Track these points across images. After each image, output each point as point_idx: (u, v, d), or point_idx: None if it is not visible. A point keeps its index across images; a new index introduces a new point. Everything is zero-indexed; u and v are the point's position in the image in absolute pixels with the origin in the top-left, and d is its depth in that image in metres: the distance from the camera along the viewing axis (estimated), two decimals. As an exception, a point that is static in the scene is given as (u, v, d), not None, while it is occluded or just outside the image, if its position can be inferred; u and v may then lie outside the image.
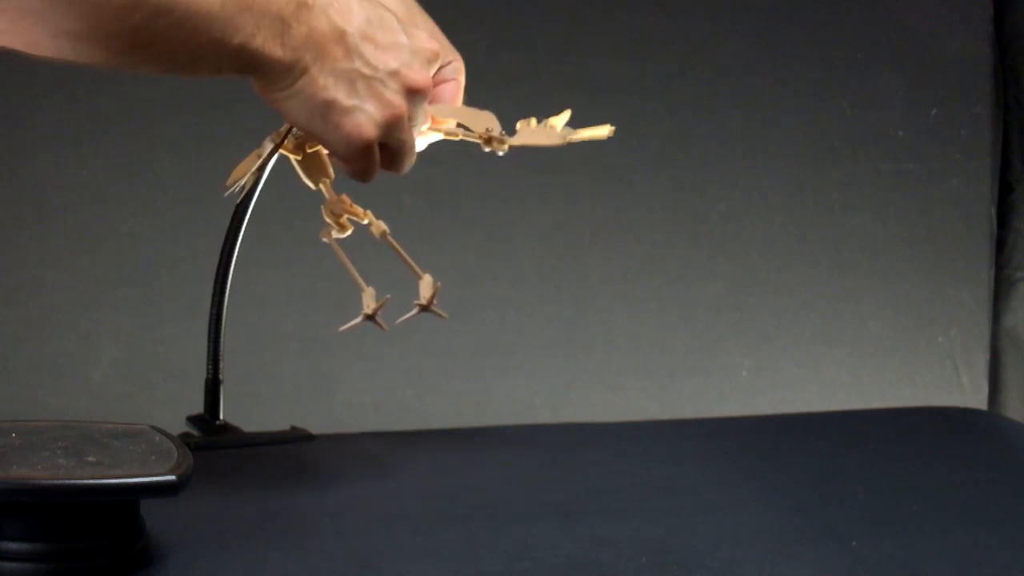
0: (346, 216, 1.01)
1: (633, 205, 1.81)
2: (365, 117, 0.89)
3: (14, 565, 0.76)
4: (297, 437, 1.10)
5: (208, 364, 1.05)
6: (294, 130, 0.97)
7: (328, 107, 0.88)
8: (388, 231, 1.01)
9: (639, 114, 1.79)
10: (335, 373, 1.75)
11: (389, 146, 0.92)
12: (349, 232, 1.01)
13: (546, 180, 1.79)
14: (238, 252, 1.03)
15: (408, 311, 1.03)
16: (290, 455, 1.06)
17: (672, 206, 1.81)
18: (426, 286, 1.02)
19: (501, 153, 1.02)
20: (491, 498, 0.96)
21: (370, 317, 1.01)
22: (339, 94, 0.88)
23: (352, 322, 1.01)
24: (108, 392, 1.68)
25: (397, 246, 1.02)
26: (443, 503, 0.94)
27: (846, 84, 1.83)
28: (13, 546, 0.76)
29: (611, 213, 1.80)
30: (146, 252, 1.69)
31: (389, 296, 1.01)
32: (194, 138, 1.67)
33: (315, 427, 1.12)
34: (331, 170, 1.00)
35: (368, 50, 0.88)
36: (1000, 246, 1.90)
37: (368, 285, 1.02)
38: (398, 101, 0.90)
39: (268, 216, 1.10)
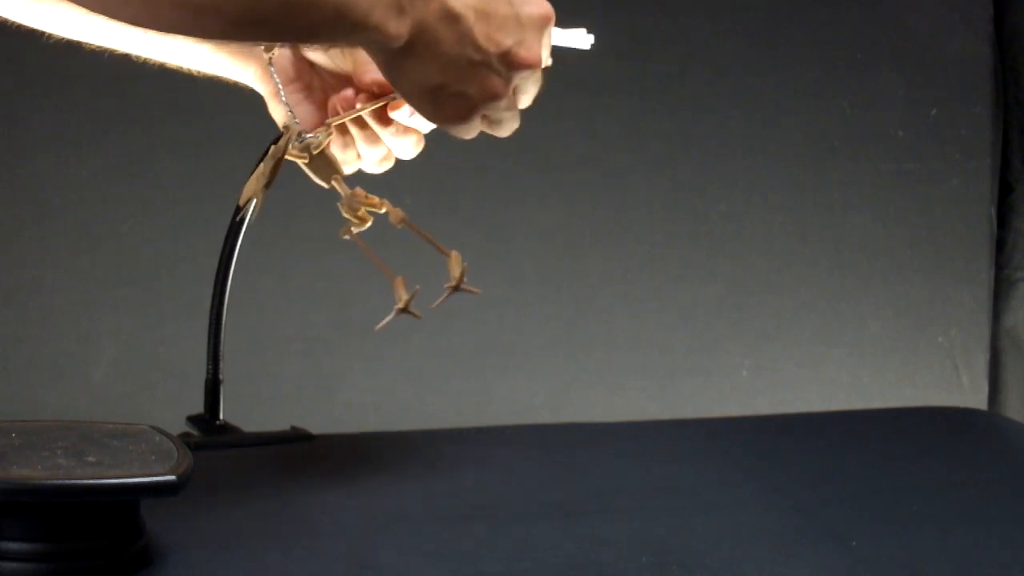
0: (364, 208, 1.00)
1: (633, 205, 1.81)
2: (469, 104, 0.89)
3: (14, 565, 0.76)
4: (297, 437, 1.10)
5: (208, 364, 1.05)
6: (297, 135, 0.96)
7: (436, 91, 0.88)
8: (407, 216, 1.00)
9: (639, 114, 1.79)
10: (335, 373, 1.75)
11: (490, 118, 0.92)
12: (369, 224, 1.00)
13: (546, 180, 1.79)
14: (238, 252, 1.03)
15: (428, 296, 1.01)
16: (290, 455, 1.06)
17: (672, 206, 1.81)
18: (455, 264, 1.00)
19: None
20: (491, 498, 0.96)
21: (404, 310, 0.99)
22: (448, 79, 0.87)
23: (387, 319, 0.99)
24: (108, 392, 1.68)
25: (419, 229, 1.00)
26: (443, 503, 0.94)
27: (846, 84, 1.83)
28: (13, 546, 0.76)
29: (611, 213, 1.80)
30: (146, 252, 1.69)
31: (419, 287, 0.99)
32: (194, 138, 1.67)
33: (315, 427, 1.12)
34: (341, 167, 0.99)
35: (480, 32, 0.87)
36: (1000, 246, 1.90)
37: (396, 274, 1.00)
38: (503, 86, 0.89)
39: (269, 216, 1.10)
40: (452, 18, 0.86)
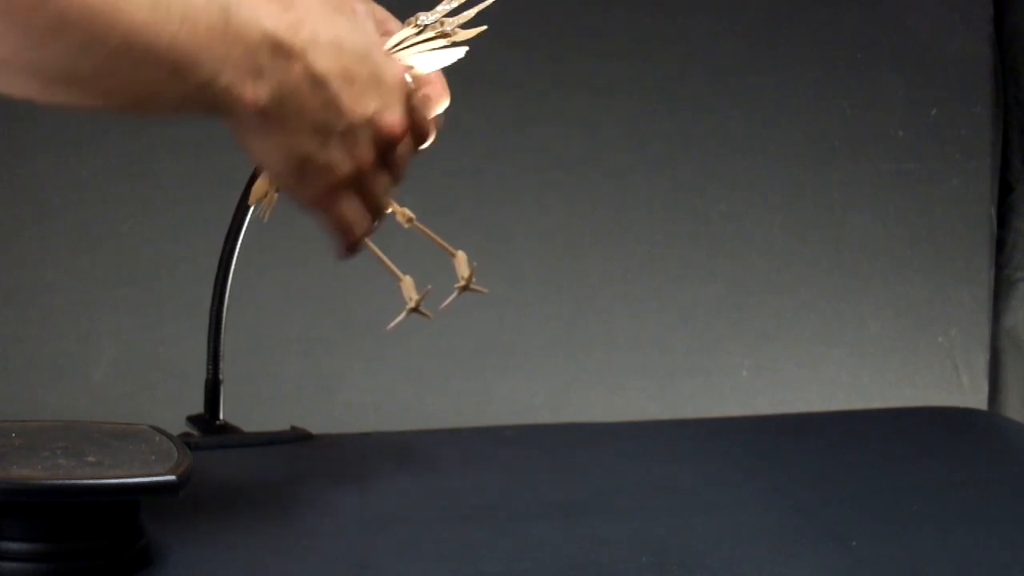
0: None
1: (633, 205, 1.81)
2: (335, 175, 0.82)
3: (14, 565, 0.76)
4: (297, 437, 1.10)
5: (208, 364, 1.05)
6: None
7: (302, 162, 0.80)
8: (414, 217, 1.00)
9: (639, 114, 1.79)
10: (335, 373, 1.75)
11: (361, 191, 0.86)
12: None
13: (546, 180, 1.79)
14: (238, 252, 1.03)
15: (429, 297, 1.00)
16: (290, 455, 1.06)
17: (672, 206, 1.81)
18: (461, 264, 1.00)
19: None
20: (491, 498, 0.96)
21: (415, 309, 0.99)
22: (313, 148, 0.80)
23: (398, 318, 0.99)
24: (108, 392, 1.68)
25: (426, 230, 1.00)
26: (443, 503, 0.94)
27: (846, 84, 1.83)
28: (13, 546, 0.76)
29: (611, 213, 1.80)
30: (146, 252, 1.69)
31: (431, 287, 0.99)
32: (194, 138, 1.67)
33: (315, 427, 1.12)
34: None
35: (346, 97, 0.79)
36: (1000, 246, 1.90)
37: (404, 274, 0.99)
38: (367, 154, 0.83)
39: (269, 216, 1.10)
40: (317, 82, 0.77)
